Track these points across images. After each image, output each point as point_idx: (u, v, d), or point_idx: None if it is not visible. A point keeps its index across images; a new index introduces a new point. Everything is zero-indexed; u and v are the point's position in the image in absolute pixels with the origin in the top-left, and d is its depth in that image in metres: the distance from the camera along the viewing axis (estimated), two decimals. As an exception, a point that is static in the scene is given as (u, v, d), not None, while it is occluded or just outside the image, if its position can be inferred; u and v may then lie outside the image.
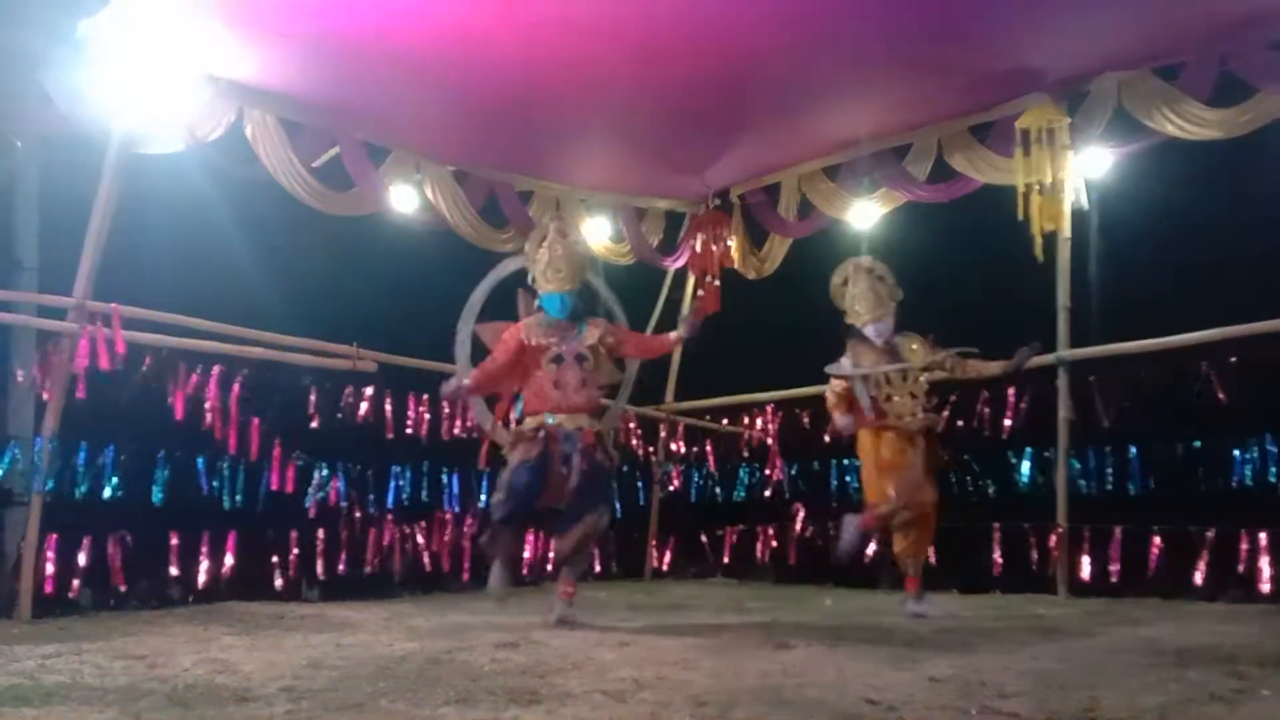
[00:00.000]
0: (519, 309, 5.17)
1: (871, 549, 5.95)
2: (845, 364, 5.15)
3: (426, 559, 6.54)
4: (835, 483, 7.05)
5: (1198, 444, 5.58)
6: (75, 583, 5.24)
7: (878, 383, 5.05)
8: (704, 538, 7.75)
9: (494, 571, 4.78)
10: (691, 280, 7.66)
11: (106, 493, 5.37)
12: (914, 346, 5.12)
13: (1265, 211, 5.32)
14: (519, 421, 4.98)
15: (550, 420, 4.81)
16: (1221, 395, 5.41)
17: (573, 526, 4.69)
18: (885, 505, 4.98)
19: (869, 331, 5.13)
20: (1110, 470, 5.83)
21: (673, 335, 5.15)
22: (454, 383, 5.01)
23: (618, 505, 7.11)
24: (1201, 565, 5.41)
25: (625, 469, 7.70)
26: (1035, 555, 5.92)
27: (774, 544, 7.37)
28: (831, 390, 5.26)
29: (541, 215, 6.95)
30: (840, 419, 5.24)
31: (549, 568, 7.26)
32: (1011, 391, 6.15)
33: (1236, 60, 5.14)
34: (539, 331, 4.91)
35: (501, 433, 5.15)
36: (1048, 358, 5.92)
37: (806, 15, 4.97)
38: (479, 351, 5.21)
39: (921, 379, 5.05)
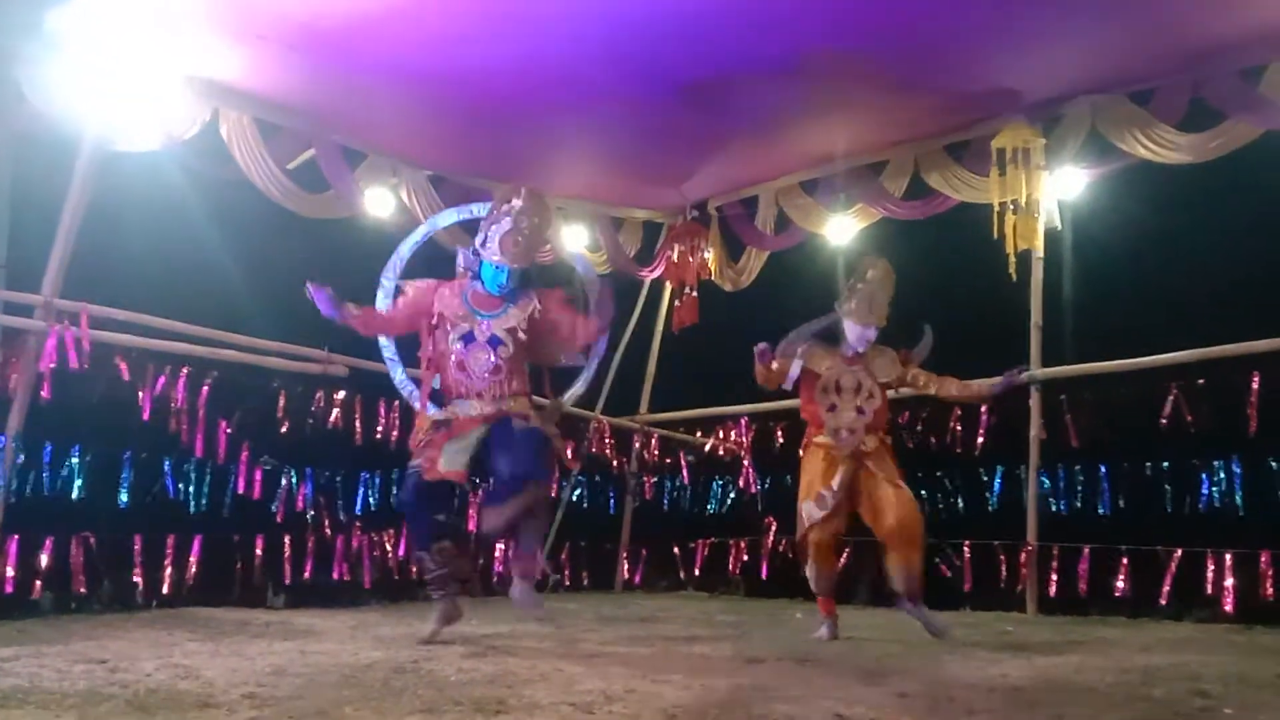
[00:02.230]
0: (458, 267, 4.69)
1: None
2: (798, 346, 4.77)
3: (395, 567, 6.47)
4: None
5: (1166, 465, 5.64)
6: (37, 584, 5.14)
7: (824, 387, 4.74)
8: (675, 550, 7.73)
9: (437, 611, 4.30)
10: (668, 291, 7.67)
11: (71, 494, 5.29)
12: (882, 361, 4.82)
13: (1234, 235, 5.41)
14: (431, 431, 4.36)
15: (459, 409, 4.30)
16: (1189, 417, 5.48)
17: (509, 498, 4.10)
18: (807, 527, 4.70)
19: (853, 331, 4.75)
20: (1080, 489, 5.88)
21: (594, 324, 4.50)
22: (328, 291, 4.29)
23: (559, 507, 6.91)
24: (1168, 584, 5.45)
25: (597, 478, 7.69)
26: (1005, 572, 5.95)
27: (745, 558, 7.36)
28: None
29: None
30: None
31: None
32: (984, 410, 6.19)
33: (1206, 88, 5.24)
34: (454, 302, 4.37)
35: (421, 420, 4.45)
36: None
37: (786, 34, 5.00)
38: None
39: (876, 395, 4.73)
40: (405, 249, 4.99)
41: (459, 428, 4.27)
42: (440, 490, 4.31)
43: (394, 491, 6.48)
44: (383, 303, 4.81)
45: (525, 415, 4.30)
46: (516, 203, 4.36)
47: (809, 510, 4.71)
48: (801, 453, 4.92)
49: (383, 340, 4.97)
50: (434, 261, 5.09)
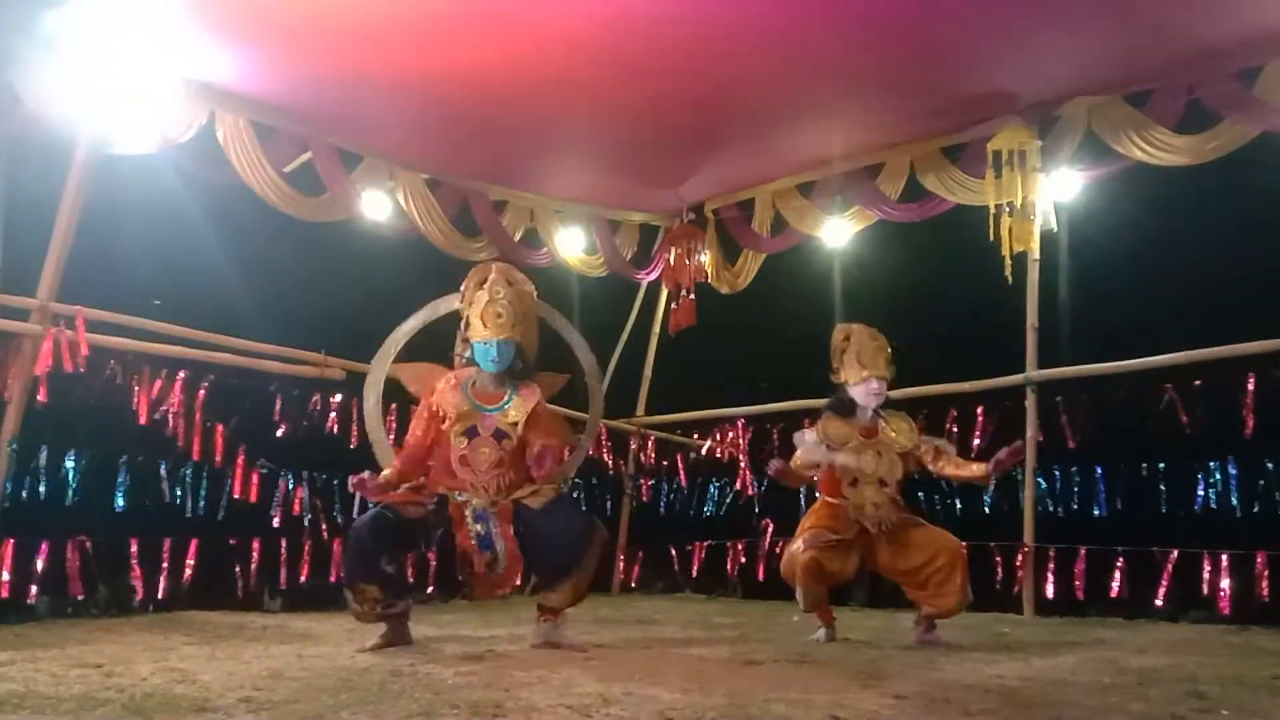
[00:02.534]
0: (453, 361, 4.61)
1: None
2: (810, 437, 4.67)
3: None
4: (804, 499, 7.05)
5: (1162, 466, 5.65)
6: (32, 589, 5.13)
7: (845, 465, 4.60)
8: (673, 552, 7.73)
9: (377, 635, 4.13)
10: (665, 294, 7.68)
11: (67, 498, 5.27)
12: (900, 427, 4.69)
13: (1230, 237, 5.43)
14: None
15: (457, 497, 4.20)
16: (1185, 418, 5.48)
17: (561, 580, 4.16)
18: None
19: (859, 392, 4.65)
20: (1076, 490, 5.88)
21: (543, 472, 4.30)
22: (368, 477, 4.15)
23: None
24: (1164, 586, 5.46)
25: (594, 481, 7.69)
26: (1001, 574, 5.95)
27: (743, 560, 7.36)
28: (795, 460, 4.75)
29: (515, 226, 6.95)
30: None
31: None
32: (980, 411, 6.19)
33: (1203, 89, 5.24)
34: (455, 398, 4.28)
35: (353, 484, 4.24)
36: (1015, 378, 5.99)
37: (782, 36, 5.00)
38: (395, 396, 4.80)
39: (896, 466, 4.62)
40: (401, 335, 4.86)
41: (454, 512, 4.20)
42: (403, 535, 4.11)
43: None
44: (372, 392, 4.81)
45: (543, 495, 4.21)
46: (490, 277, 4.40)
47: (803, 541, 4.58)
48: (809, 513, 4.80)
49: (372, 422, 4.89)
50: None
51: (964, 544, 4.64)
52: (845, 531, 4.56)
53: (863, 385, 4.65)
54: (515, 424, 4.29)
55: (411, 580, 4.59)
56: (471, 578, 4.25)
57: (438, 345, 4.82)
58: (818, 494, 4.83)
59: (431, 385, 4.40)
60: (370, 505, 4.22)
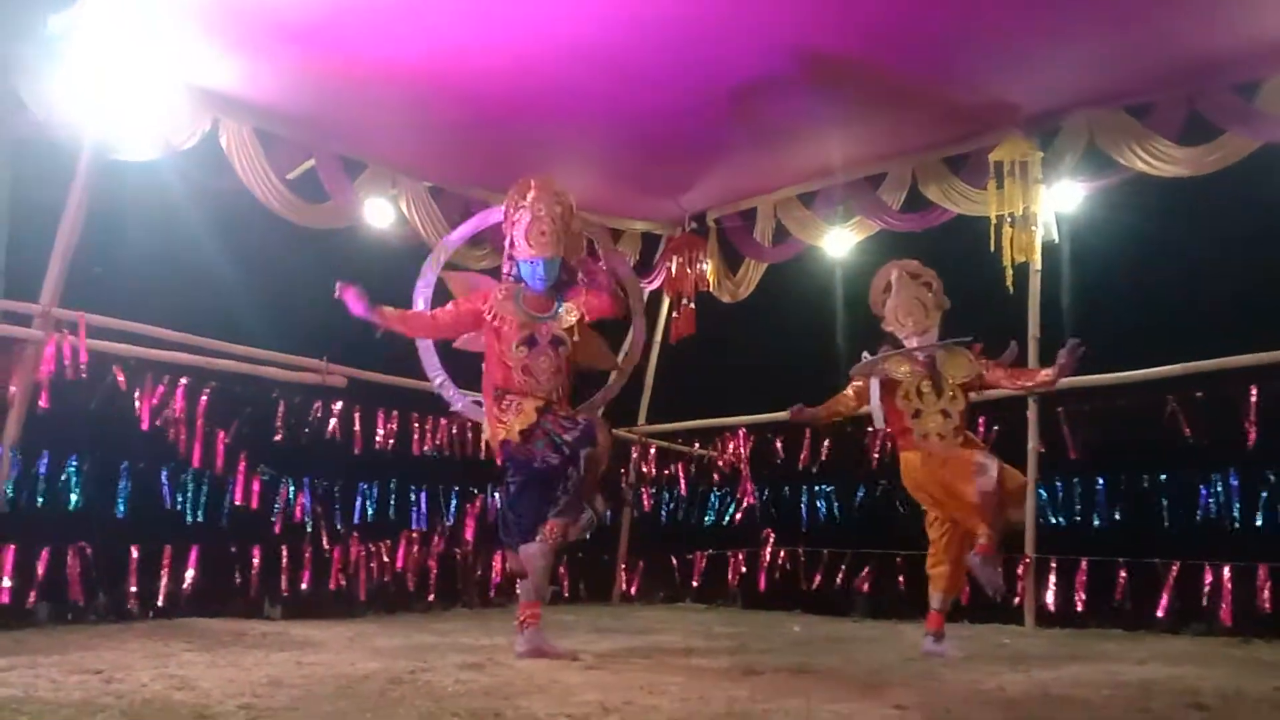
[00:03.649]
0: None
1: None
2: (872, 367, 4.71)
3: (392, 578, 6.46)
4: (806, 508, 7.05)
5: (1163, 477, 5.64)
6: (32, 595, 5.13)
7: (906, 394, 4.63)
8: (673, 561, 7.72)
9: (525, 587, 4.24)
10: (666, 302, 7.68)
11: (68, 504, 5.27)
12: (958, 361, 4.68)
13: (1231, 248, 5.42)
14: (498, 403, 4.33)
15: (543, 423, 4.25)
16: (1187, 430, 5.48)
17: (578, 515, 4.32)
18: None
19: (909, 343, 4.70)
20: (1077, 501, 5.87)
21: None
22: (356, 291, 4.36)
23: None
24: (1165, 597, 5.45)
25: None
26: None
27: (744, 569, 7.35)
28: (848, 394, 4.84)
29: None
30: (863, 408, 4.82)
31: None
32: (981, 422, 6.18)
33: (1204, 102, 5.26)
34: (509, 306, 4.38)
35: (485, 420, 4.46)
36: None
37: (784, 47, 5.02)
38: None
39: (959, 396, 4.62)
40: (453, 241, 5.06)
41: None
42: (546, 476, 4.25)
43: (391, 501, 6.48)
44: (422, 295, 4.88)
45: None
46: (531, 194, 4.39)
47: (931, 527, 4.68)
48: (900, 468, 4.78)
49: (431, 368, 4.94)
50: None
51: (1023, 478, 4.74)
52: (931, 483, 4.55)
53: (914, 339, 4.68)
54: (570, 329, 4.39)
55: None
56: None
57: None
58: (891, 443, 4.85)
59: (484, 291, 4.50)
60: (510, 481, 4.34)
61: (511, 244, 4.46)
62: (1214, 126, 5.24)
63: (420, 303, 4.92)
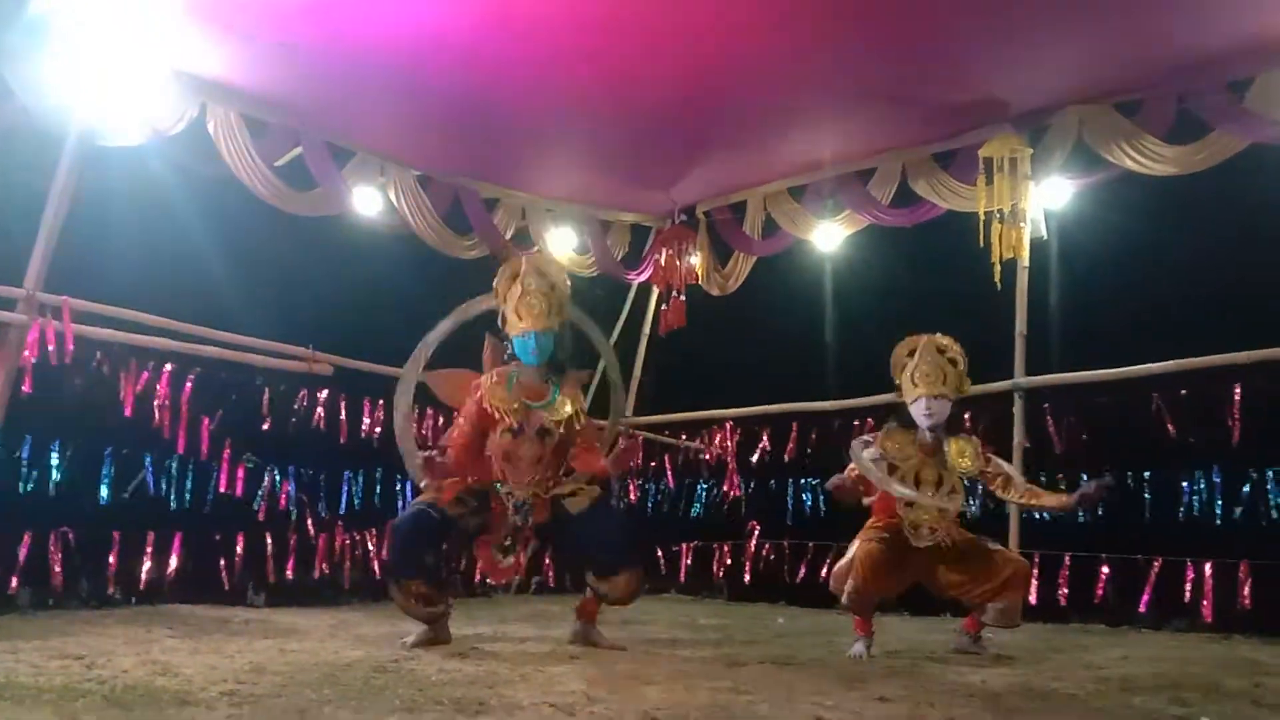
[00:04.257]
0: (485, 357, 4.63)
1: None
2: (867, 455, 4.32)
3: (376, 567, 6.45)
4: (791, 501, 7.07)
5: (1147, 474, 5.67)
6: (14, 580, 5.10)
7: (902, 478, 4.30)
8: (659, 553, 7.73)
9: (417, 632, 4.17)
10: (655, 294, 7.68)
11: (50, 489, 5.24)
12: (965, 450, 4.37)
13: (1219, 246, 5.45)
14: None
15: (499, 488, 4.29)
16: (1171, 427, 5.51)
17: (617, 573, 4.19)
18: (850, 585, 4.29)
19: (918, 409, 4.34)
20: (1062, 497, 5.89)
21: (602, 463, 4.39)
22: (418, 465, 4.24)
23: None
24: (1148, 593, 5.48)
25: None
26: (986, 580, 5.95)
27: (729, 561, 7.37)
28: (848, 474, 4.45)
29: (506, 224, 6.94)
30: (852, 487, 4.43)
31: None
32: (967, 417, 6.20)
33: (1193, 100, 5.28)
34: (500, 392, 4.31)
35: (421, 464, 4.30)
36: (1004, 384, 6.01)
37: (775, 41, 5.01)
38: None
39: (959, 491, 4.35)
40: (434, 339, 4.83)
41: (496, 505, 4.27)
42: (445, 530, 4.18)
43: (377, 490, 6.47)
44: (403, 399, 4.80)
45: (584, 497, 4.27)
46: (523, 269, 4.37)
47: (861, 540, 4.35)
48: (856, 541, 4.44)
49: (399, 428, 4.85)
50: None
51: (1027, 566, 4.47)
52: (901, 548, 4.28)
53: (915, 404, 4.36)
54: (559, 421, 4.32)
55: (454, 574, 4.62)
56: (483, 559, 4.33)
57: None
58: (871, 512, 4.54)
59: (465, 391, 4.44)
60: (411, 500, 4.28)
61: (504, 322, 4.40)
62: (1202, 124, 5.25)
63: (402, 407, 4.80)
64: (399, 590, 4.10)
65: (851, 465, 4.39)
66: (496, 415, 4.29)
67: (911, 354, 4.46)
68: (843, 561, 4.45)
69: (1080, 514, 5.55)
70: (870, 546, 4.28)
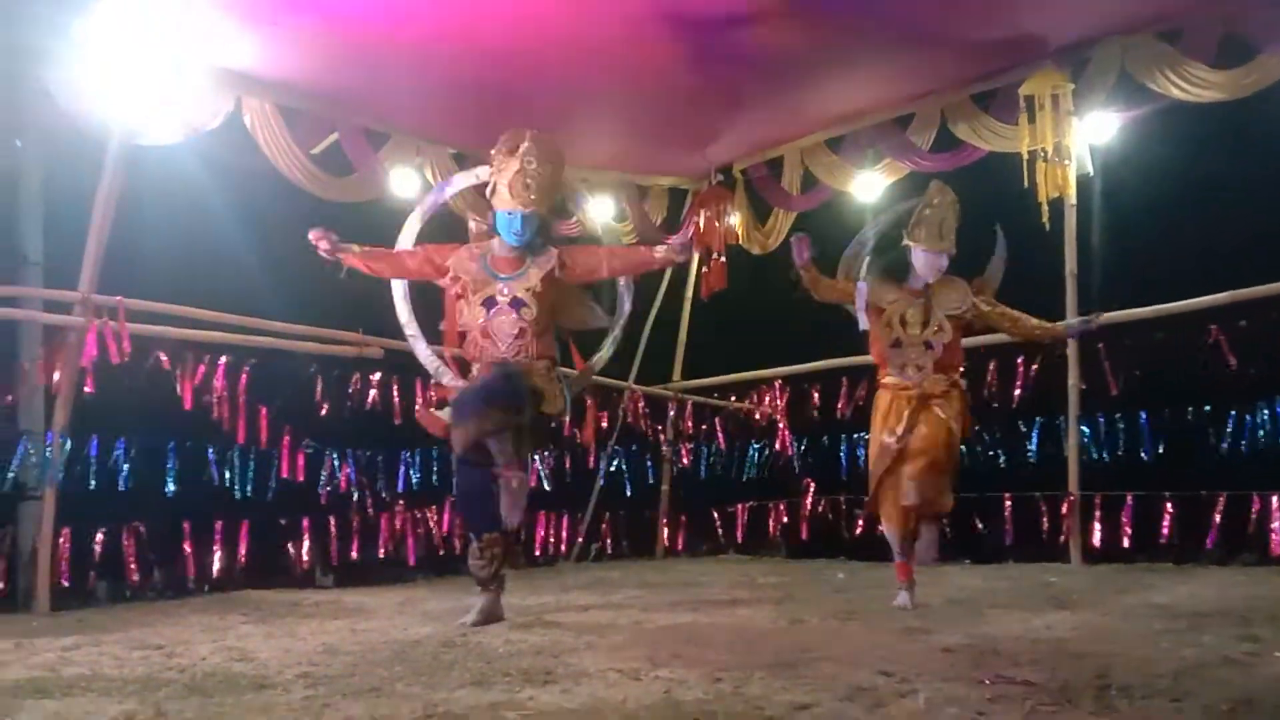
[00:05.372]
0: (469, 231, 4.54)
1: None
2: (860, 266, 4.42)
3: (439, 542, 6.56)
4: (845, 457, 7.05)
5: (1208, 408, 5.57)
6: (91, 575, 5.27)
7: (889, 321, 4.35)
8: (715, 515, 7.77)
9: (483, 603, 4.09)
10: (696, 258, 7.65)
11: (119, 485, 5.39)
12: (951, 291, 4.40)
13: (1270, 173, 5.29)
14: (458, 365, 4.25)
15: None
16: (1231, 359, 5.39)
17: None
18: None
19: (924, 259, 4.35)
20: (1121, 437, 5.81)
21: (660, 251, 4.31)
22: (332, 242, 4.13)
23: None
24: (1214, 529, 5.40)
25: (634, 448, 7.73)
26: (1047, 524, 5.92)
27: (785, 520, 7.38)
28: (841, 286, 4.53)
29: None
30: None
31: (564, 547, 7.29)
32: (1020, 360, 6.13)
33: (1238, 22, 5.10)
34: (473, 267, 4.19)
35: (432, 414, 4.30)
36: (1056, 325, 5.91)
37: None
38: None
39: (946, 328, 4.34)
40: (416, 219, 4.85)
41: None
42: (481, 462, 4.05)
43: (434, 468, 6.55)
44: (401, 293, 4.81)
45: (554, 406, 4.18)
46: (524, 145, 4.17)
47: (874, 463, 4.39)
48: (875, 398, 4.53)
49: (403, 316, 4.84)
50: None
51: (959, 443, 4.42)
52: (898, 422, 4.28)
53: (932, 255, 4.34)
54: (531, 290, 4.16)
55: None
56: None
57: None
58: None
59: (452, 247, 4.35)
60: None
61: (493, 191, 4.23)
62: (1249, 47, 5.08)
63: (398, 289, 4.80)
64: (480, 548, 4.06)
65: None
66: (464, 288, 4.18)
67: (931, 205, 4.39)
68: (871, 487, 4.45)
69: (1143, 451, 5.50)
70: (885, 499, 4.35)
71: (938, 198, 4.41)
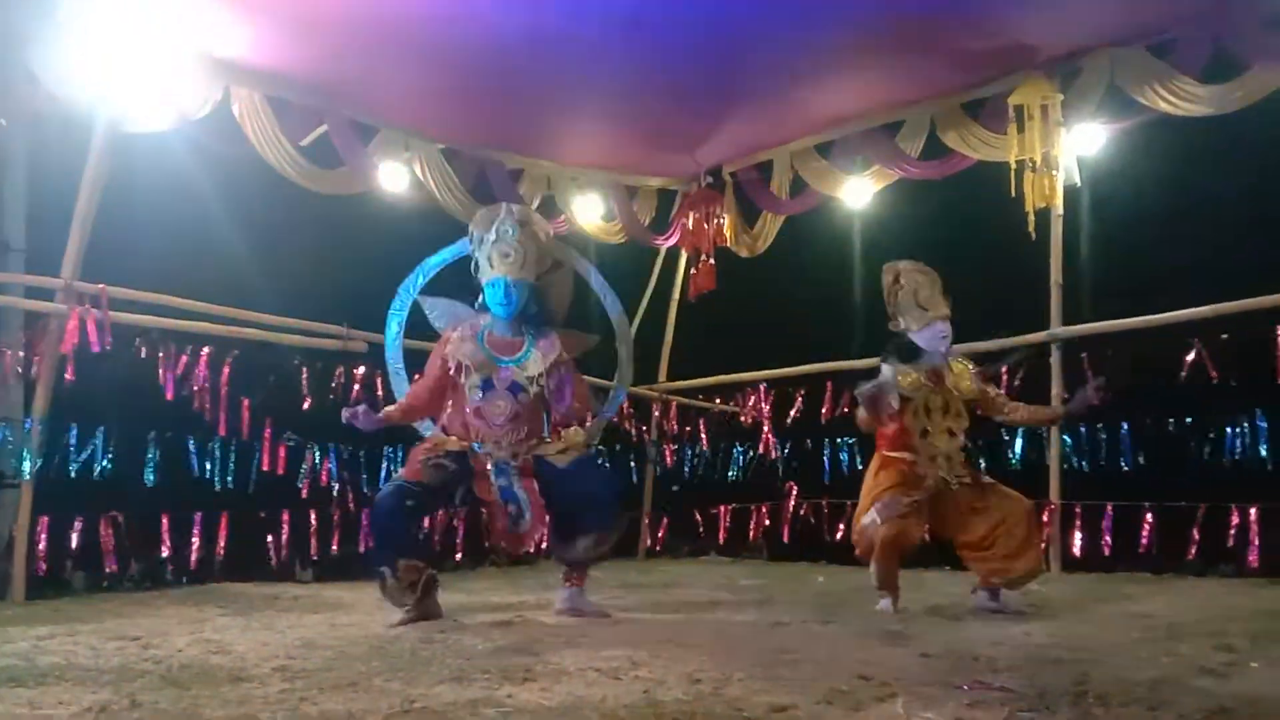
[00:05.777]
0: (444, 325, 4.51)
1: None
2: (887, 374, 4.32)
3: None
4: (828, 461, 7.06)
5: (1189, 420, 5.60)
6: (68, 564, 5.23)
7: (915, 411, 4.31)
8: (697, 516, 7.77)
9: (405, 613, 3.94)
10: (684, 259, 7.65)
11: (97, 474, 5.35)
12: (963, 372, 4.41)
13: (1256, 188, 5.33)
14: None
15: (477, 448, 4.11)
16: (1213, 372, 5.43)
17: (589, 538, 4.07)
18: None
19: (925, 336, 4.35)
20: (1102, 447, 5.84)
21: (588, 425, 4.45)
22: (362, 410, 4.04)
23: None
24: (1193, 540, 5.43)
25: (618, 448, 7.72)
26: (1027, 531, 5.93)
27: (767, 522, 7.39)
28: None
29: (532, 193, 6.93)
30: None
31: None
32: (1004, 370, 6.15)
33: (1228, 37, 5.13)
34: (469, 348, 4.16)
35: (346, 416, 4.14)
36: (1040, 335, 5.95)
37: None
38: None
39: (964, 414, 4.36)
40: (394, 328, 4.85)
41: (477, 465, 4.12)
42: (425, 503, 4.10)
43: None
44: (396, 380, 4.78)
45: (570, 454, 4.16)
46: (499, 216, 4.25)
47: (877, 511, 4.26)
48: (872, 472, 4.45)
49: (391, 362, 4.87)
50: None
51: (1033, 503, 4.38)
52: (918, 491, 4.26)
53: (929, 329, 4.34)
54: (532, 378, 4.16)
55: (436, 548, 4.56)
56: (496, 533, 4.20)
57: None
58: (877, 449, 4.51)
59: (443, 340, 4.31)
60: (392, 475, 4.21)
61: (477, 268, 4.30)
62: (1238, 62, 5.12)
63: (393, 326, 4.82)
64: (389, 571, 3.90)
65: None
66: (462, 370, 4.13)
67: (897, 280, 4.42)
68: (864, 520, 4.37)
69: (1124, 461, 5.52)
70: (893, 533, 4.20)
71: (903, 278, 4.40)
